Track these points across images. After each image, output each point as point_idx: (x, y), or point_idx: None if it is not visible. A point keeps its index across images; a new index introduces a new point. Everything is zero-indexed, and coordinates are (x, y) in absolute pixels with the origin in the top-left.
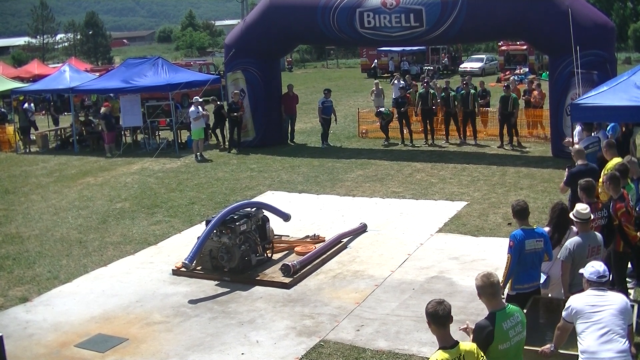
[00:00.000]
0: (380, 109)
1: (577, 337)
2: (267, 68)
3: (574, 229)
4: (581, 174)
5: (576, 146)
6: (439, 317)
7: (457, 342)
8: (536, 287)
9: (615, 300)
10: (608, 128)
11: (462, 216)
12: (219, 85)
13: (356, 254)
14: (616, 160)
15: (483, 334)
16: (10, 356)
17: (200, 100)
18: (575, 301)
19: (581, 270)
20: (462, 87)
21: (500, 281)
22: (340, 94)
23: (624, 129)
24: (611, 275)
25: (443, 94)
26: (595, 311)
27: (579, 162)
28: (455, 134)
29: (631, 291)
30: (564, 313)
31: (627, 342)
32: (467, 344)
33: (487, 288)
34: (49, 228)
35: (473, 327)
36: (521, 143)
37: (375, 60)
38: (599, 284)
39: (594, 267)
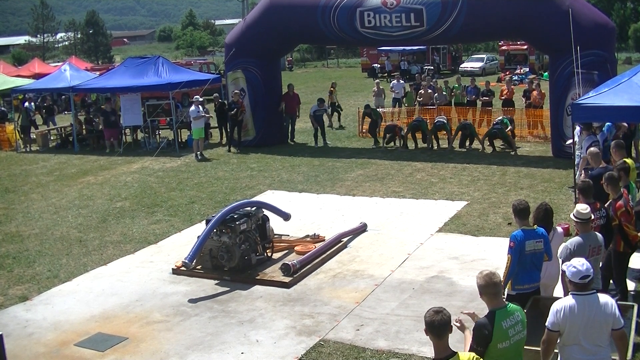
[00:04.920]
0: (375, 108)
1: (559, 341)
2: (268, 67)
3: (559, 229)
4: (601, 178)
5: (592, 149)
6: (434, 327)
7: (454, 353)
8: (536, 288)
9: (599, 302)
10: (604, 128)
11: (462, 216)
12: (219, 85)
13: (356, 253)
14: (629, 160)
15: (482, 332)
16: (10, 355)
17: (201, 99)
18: (557, 306)
19: (563, 268)
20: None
21: (500, 281)
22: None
23: (624, 126)
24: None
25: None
26: (577, 314)
27: (600, 165)
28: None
29: (632, 283)
30: (547, 322)
31: (607, 347)
32: (466, 355)
33: (490, 287)
34: (49, 227)
35: (463, 319)
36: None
37: (377, 60)
38: (583, 285)
39: (575, 268)
